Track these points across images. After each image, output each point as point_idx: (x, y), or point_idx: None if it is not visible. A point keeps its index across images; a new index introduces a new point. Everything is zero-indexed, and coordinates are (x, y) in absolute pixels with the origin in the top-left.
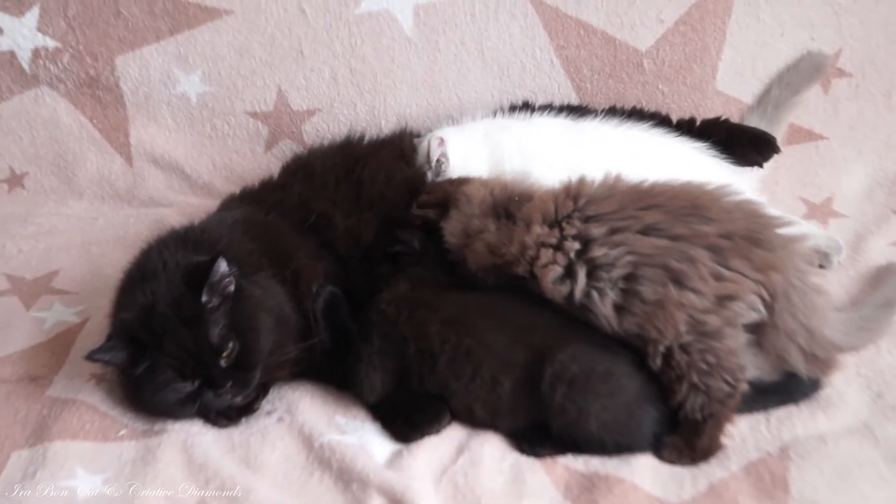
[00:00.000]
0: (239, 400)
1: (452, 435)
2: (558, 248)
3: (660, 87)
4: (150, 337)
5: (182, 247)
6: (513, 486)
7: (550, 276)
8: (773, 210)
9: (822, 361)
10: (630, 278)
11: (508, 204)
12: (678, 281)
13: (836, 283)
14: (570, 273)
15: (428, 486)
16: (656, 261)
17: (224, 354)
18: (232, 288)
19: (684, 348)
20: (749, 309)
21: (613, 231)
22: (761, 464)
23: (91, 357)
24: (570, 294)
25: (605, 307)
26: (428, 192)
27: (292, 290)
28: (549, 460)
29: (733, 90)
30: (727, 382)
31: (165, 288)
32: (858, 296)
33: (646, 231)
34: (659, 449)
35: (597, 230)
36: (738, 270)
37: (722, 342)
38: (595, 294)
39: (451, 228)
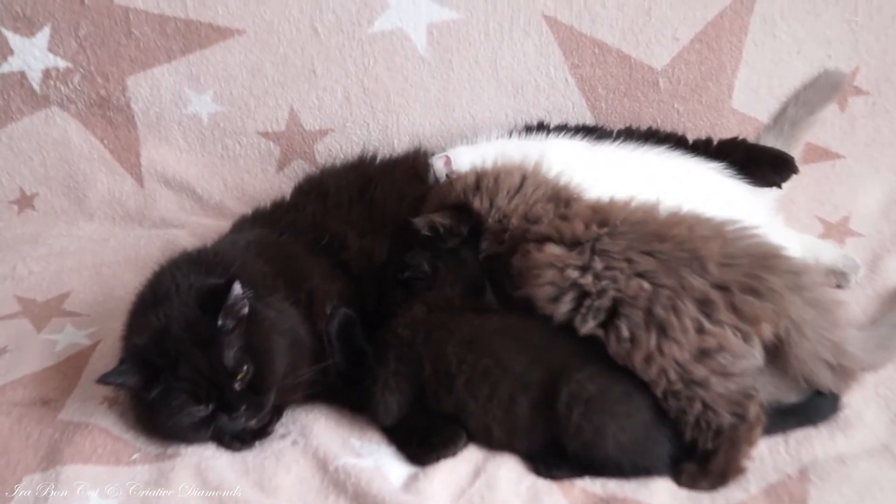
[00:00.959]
0: (253, 423)
1: (469, 457)
2: (561, 271)
3: (675, 105)
4: (164, 361)
5: (195, 269)
6: None
7: (543, 295)
8: (787, 252)
9: (850, 372)
10: (612, 312)
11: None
12: (660, 328)
13: (853, 303)
14: (558, 296)
15: None
16: (640, 304)
17: (238, 377)
18: (246, 310)
19: (676, 395)
20: (740, 359)
21: (608, 268)
22: (780, 486)
23: (103, 381)
24: (555, 314)
25: (585, 331)
26: (426, 202)
27: (306, 312)
28: (566, 483)
29: (749, 109)
30: (733, 414)
31: (179, 311)
32: (876, 315)
33: (638, 275)
34: (676, 474)
35: (598, 264)
36: (726, 323)
37: (710, 390)
38: (578, 318)
39: (506, 207)
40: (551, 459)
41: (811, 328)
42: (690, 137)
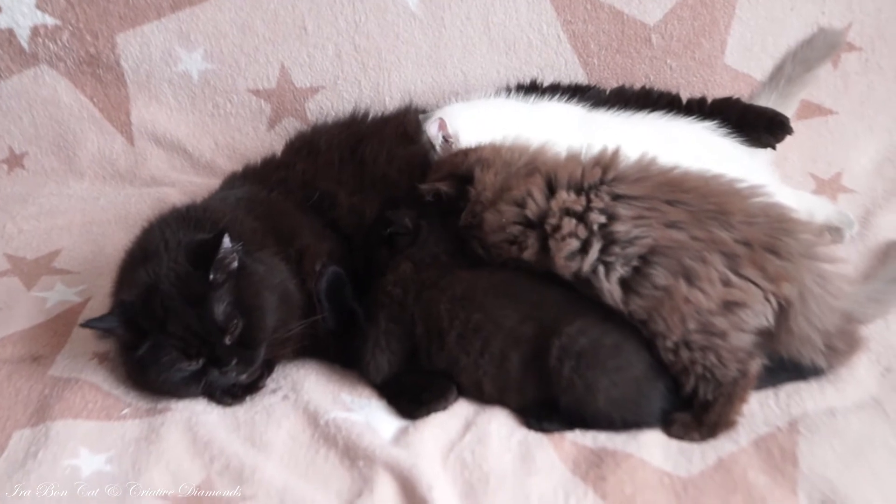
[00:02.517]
0: (244, 378)
1: (459, 412)
2: (581, 218)
3: (668, 62)
4: (153, 317)
5: (184, 225)
6: (521, 463)
7: (566, 249)
8: (798, 215)
9: (843, 352)
10: (644, 259)
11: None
12: (688, 278)
13: (845, 259)
14: (584, 247)
15: (435, 463)
16: (673, 253)
17: (229, 332)
18: (235, 265)
19: (689, 345)
20: (757, 316)
21: (640, 216)
22: (770, 438)
23: (88, 325)
24: (579, 269)
25: (610, 283)
26: (435, 168)
27: (296, 269)
28: (556, 436)
29: (742, 65)
30: (738, 369)
31: (168, 266)
32: (869, 271)
33: (669, 225)
34: (667, 425)
35: (624, 210)
36: (750, 279)
37: (728, 342)
38: (602, 269)
39: (489, 181)
40: (542, 412)
41: (814, 302)
42: (683, 95)
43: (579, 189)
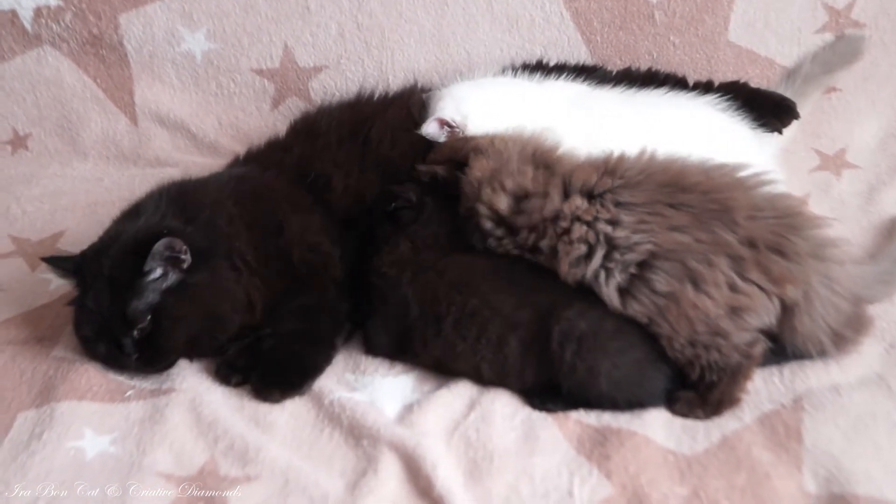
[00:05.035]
0: (148, 372)
1: (463, 391)
2: (591, 226)
3: (671, 38)
4: (85, 281)
5: (168, 203)
6: (525, 442)
7: (574, 254)
8: (807, 208)
9: (851, 339)
10: (644, 266)
11: (546, 159)
12: (695, 281)
13: (849, 235)
14: (590, 253)
15: (439, 441)
16: (676, 256)
17: (136, 328)
18: (173, 276)
19: (695, 344)
20: (761, 318)
21: (641, 221)
22: (775, 415)
23: (45, 259)
24: (583, 275)
25: (608, 288)
26: (435, 151)
27: (275, 247)
28: (560, 415)
29: (746, 42)
30: (740, 355)
31: (118, 243)
32: (874, 248)
33: (672, 228)
34: (671, 402)
35: (626, 217)
36: (755, 282)
37: (731, 340)
38: (602, 274)
39: (481, 167)
40: (546, 394)
41: (820, 302)
42: (687, 71)
43: (591, 197)
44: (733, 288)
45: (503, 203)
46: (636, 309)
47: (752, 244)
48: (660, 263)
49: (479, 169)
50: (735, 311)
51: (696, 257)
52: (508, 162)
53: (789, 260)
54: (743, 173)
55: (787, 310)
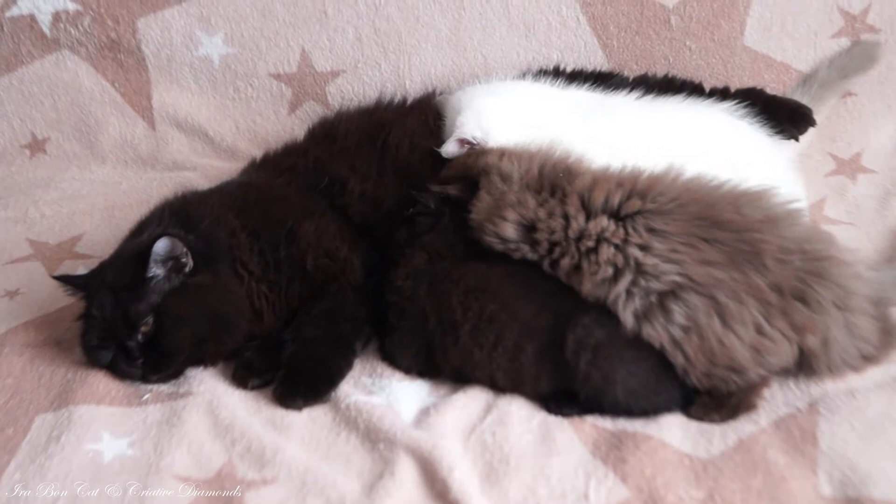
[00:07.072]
0: (154, 379)
1: (479, 395)
2: (620, 249)
3: (687, 43)
4: (90, 296)
5: (171, 216)
6: (541, 445)
7: (601, 276)
8: (836, 248)
9: (875, 358)
10: (665, 295)
11: (555, 178)
12: (723, 318)
13: (865, 239)
14: (616, 276)
15: (456, 444)
16: (707, 291)
17: (139, 330)
18: (175, 279)
19: (712, 377)
20: (780, 361)
21: (674, 251)
22: (790, 419)
23: (56, 277)
24: (605, 296)
25: (625, 312)
26: (449, 166)
27: (286, 253)
28: (576, 418)
29: (762, 46)
30: (757, 375)
31: (121, 256)
32: (888, 251)
33: (705, 263)
34: (687, 405)
35: (658, 244)
36: (779, 329)
37: (748, 376)
38: (623, 296)
39: (478, 209)
40: (562, 399)
41: (838, 350)
42: (703, 76)
43: (617, 218)
44: (760, 331)
45: (510, 230)
46: (650, 334)
47: (779, 290)
48: (686, 296)
49: (477, 212)
50: (758, 352)
51: (728, 294)
52: (505, 195)
53: (811, 309)
54: (772, 206)
55: (803, 356)
